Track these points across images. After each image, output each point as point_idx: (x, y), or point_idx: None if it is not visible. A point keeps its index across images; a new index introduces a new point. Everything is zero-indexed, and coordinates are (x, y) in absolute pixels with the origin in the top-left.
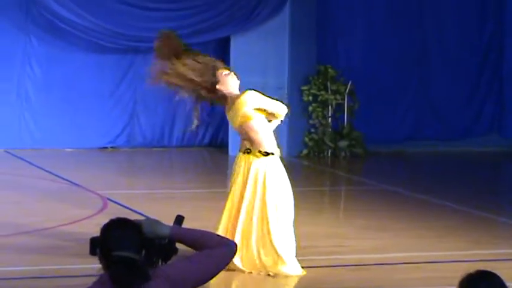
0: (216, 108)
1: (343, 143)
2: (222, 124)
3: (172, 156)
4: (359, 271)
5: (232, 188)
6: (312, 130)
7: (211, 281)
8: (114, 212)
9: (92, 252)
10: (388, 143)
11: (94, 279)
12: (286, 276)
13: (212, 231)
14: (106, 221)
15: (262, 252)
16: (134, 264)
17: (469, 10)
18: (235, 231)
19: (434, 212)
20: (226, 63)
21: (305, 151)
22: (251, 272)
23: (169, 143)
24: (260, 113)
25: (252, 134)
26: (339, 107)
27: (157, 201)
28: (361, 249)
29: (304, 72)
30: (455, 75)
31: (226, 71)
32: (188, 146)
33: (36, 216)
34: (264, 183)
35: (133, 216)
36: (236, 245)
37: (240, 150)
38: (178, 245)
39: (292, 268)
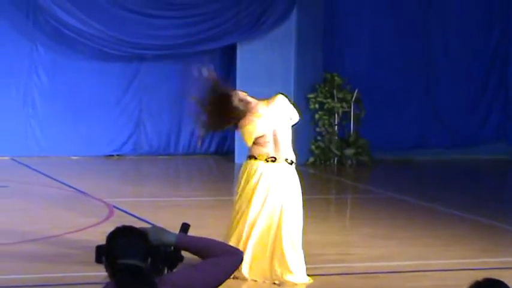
0: None
1: (349, 151)
2: (229, 132)
3: (178, 164)
4: (366, 279)
5: (255, 197)
6: (318, 138)
7: None
8: (120, 220)
9: (98, 260)
10: (395, 151)
11: (100, 287)
12: (293, 285)
13: (218, 239)
14: (112, 228)
15: (276, 261)
16: (140, 272)
17: (474, 18)
18: (248, 240)
19: (441, 220)
20: (232, 71)
21: (311, 159)
22: (256, 280)
23: (176, 151)
24: None
25: (282, 141)
26: (345, 115)
27: (163, 209)
28: (368, 257)
29: (311, 80)
30: (461, 83)
31: (248, 99)
32: (194, 153)
33: (42, 224)
34: (286, 192)
35: (139, 224)
36: (242, 253)
37: (259, 159)
38: (184, 253)
39: (299, 277)
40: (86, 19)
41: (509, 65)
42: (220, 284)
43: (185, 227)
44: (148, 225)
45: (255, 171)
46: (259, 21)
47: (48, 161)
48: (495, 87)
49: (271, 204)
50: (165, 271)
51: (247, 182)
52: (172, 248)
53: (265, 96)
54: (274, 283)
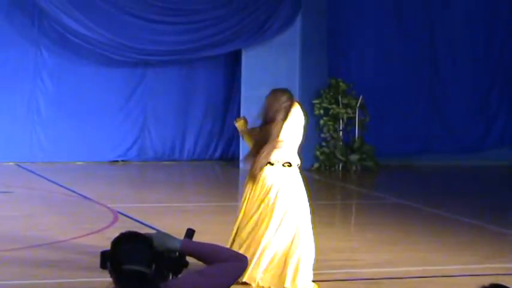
0: (227, 121)
1: (354, 157)
2: (233, 138)
3: (183, 170)
4: (371, 285)
5: (265, 202)
6: (323, 144)
7: None
8: (125, 226)
9: (103, 265)
10: (399, 156)
11: None
12: None
13: (223, 244)
14: (117, 234)
15: (288, 267)
16: (145, 277)
17: (479, 24)
18: (258, 246)
19: (446, 226)
20: (237, 77)
21: (316, 165)
22: (262, 287)
23: (180, 157)
24: None
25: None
26: (350, 121)
27: (167, 214)
28: (374, 262)
29: (316, 86)
30: (466, 89)
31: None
32: (199, 159)
33: (46, 229)
34: (297, 196)
35: (143, 230)
36: (247, 258)
37: (273, 164)
38: (189, 259)
39: (304, 283)
40: (90, 25)
41: None
42: None
43: (190, 233)
44: (153, 231)
45: (264, 177)
46: (263, 27)
47: (52, 166)
48: (500, 93)
49: (281, 210)
50: (170, 277)
51: (263, 187)
52: (177, 253)
53: None
54: None
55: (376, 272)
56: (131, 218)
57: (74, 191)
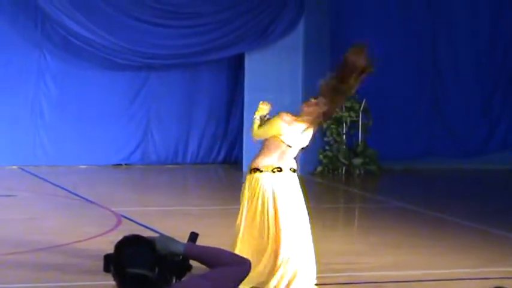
0: (231, 124)
1: (357, 161)
2: (237, 141)
3: (187, 174)
4: None
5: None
6: (326, 147)
7: None
8: (128, 229)
9: (106, 269)
10: (403, 160)
11: None
12: None
13: (226, 248)
14: (120, 238)
15: (286, 274)
16: (148, 281)
17: (482, 27)
18: (266, 249)
19: (449, 230)
20: (240, 80)
21: (319, 168)
22: None
23: (184, 160)
24: None
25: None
26: (353, 125)
27: (171, 218)
28: (377, 266)
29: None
30: (469, 93)
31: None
32: (202, 163)
33: (50, 233)
34: (300, 200)
35: (147, 233)
36: (250, 262)
37: (262, 171)
38: (192, 262)
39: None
40: (93, 28)
41: None
42: None
43: (193, 236)
44: (156, 235)
45: (260, 183)
46: (267, 31)
47: (56, 170)
48: (503, 96)
49: (292, 212)
50: (173, 280)
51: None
52: (180, 257)
53: (273, 105)
54: None
55: (379, 276)
56: (134, 222)
57: (77, 195)
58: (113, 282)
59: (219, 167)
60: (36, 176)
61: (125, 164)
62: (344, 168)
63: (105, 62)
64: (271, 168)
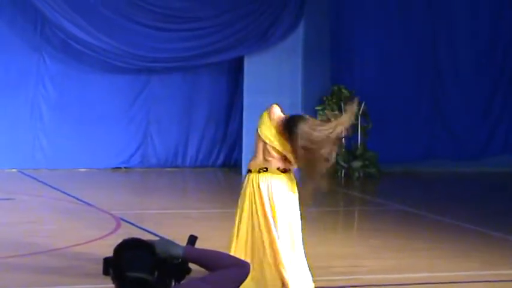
0: (230, 127)
1: (356, 164)
2: (236, 144)
3: (186, 177)
4: None
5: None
6: None
7: None
8: (127, 232)
9: (105, 272)
10: (402, 163)
11: None
12: None
13: (225, 251)
14: (119, 241)
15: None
16: (147, 284)
17: (482, 28)
18: (265, 253)
19: (449, 233)
20: (240, 83)
21: None
22: None
23: (183, 164)
24: None
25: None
26: (353, 128)
27: (170, 221)
28: (377, 269)
29: (318, 93)
30: (469, 95)
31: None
32: (202, 166)
33: (49, 236)
34: (289, 201)
35: (146, 237)
36: (249, 265)
37: (266, 170)
38: (192, 265)
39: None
40: (93, 31)
41: None
42: None
43: (192, 239)
44: (156, 238)
45: (248, 183)
46: (266, 34)
47: (55, 173)
48: (503, 98)
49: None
50: (173, 283)
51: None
52: (179, 260)
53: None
54: None
55: (379, 279)
56: (134, 225)
57: (76, 198)
58: (112, 286)
59: (219, 170)
60: (35, 179)
61: (125, 167)
62: (343, 171)
63: (104, 65)
64: (258, 168)
